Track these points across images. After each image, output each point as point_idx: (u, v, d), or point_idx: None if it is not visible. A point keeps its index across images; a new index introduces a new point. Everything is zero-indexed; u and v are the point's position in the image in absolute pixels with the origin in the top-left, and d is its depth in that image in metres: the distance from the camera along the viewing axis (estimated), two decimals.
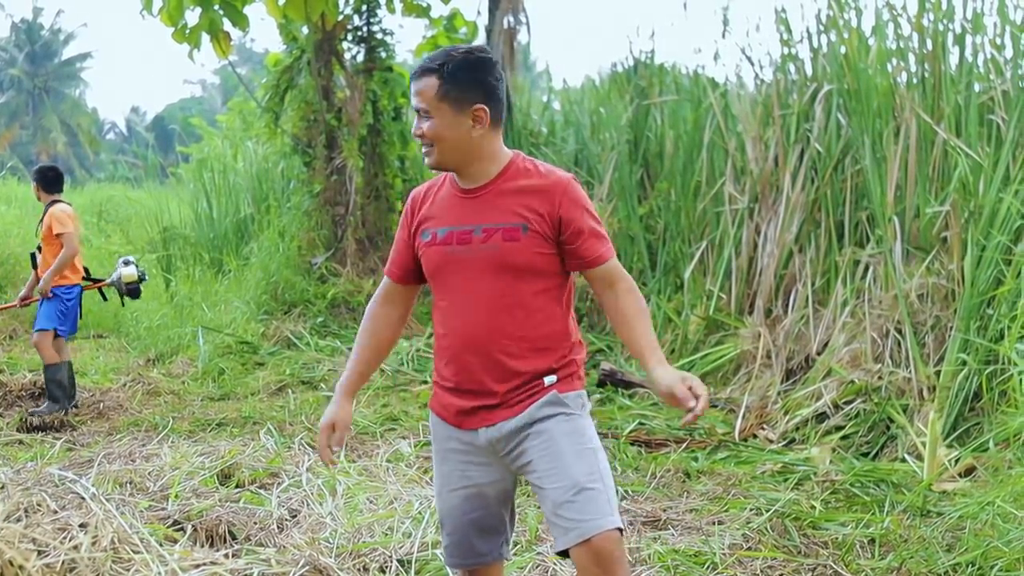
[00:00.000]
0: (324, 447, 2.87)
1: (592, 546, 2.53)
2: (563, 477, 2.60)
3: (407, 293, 2.92)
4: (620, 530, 2.59)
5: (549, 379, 2.71)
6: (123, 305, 8.95)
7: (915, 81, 7.70)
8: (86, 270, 7.78)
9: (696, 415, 2.55)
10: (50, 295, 7.33)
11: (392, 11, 11.69)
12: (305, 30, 11.32)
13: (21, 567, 2.91)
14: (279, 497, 4.68)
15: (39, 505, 3.46)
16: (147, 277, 8.02)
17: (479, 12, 12.49)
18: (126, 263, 7.86)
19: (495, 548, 2.86)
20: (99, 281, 7.88)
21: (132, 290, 7.84)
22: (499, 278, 2.67)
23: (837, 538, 4.50)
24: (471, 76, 2.66)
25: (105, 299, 8.74)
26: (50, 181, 7.62)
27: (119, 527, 3.32)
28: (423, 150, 2.72)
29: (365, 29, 11.61)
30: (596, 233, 2.73)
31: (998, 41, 7.37)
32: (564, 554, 2.62)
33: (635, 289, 2.78)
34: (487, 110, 2.67)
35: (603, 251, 2.73)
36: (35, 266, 7.63)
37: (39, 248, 7.56)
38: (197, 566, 3.31)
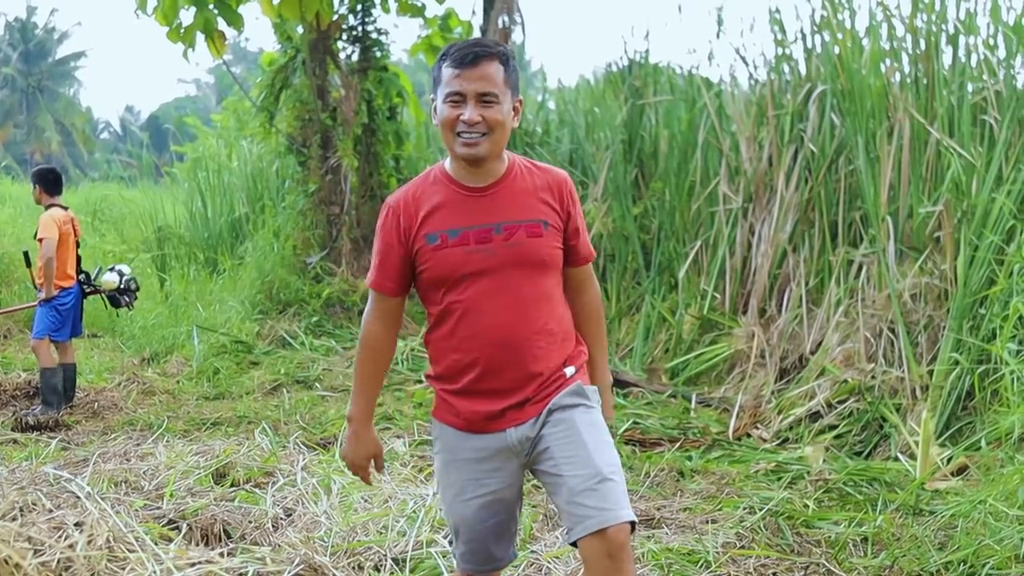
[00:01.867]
0: (367, 475, 2.87)
1: (607, 536, 2.51)
2: (585, 465, 2.58)
3: (400, 306, 2.81)
4: (634, 524, 2.59)
5: (569, 370, 2.72)
6: (117, 315, 8.92)
7: (908, 81, 7.72)
8: (87, 275, 7.74)
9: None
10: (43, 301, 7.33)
11: (387, 11, 11.69)
12: (300, 29, 11.31)
13: (17, 566, 2.92)
14: (274, 496, 4.69)
15: (34, 504, 3.47)
16: (135, 286, 7.91)
17: (474, 12, 12.46)
18: (110, 270, 7.81)
19: (510, 552, 2.86)
20: (96, 287, 7.85)
21: (111, 298, 7.76)
22: (525, 274, 2.66)
23: (830, 537, 4.52)
24: (516, 67, 2.68)
25: (107, 306, 8.75)
26: (50, 183, 7.58)
27: (114, 526, 3.33)
28: (472, 138, 2.59)
29: (360, 28, 11.61)
30: (586, 231, 2.85)
31: (991, 42, 7.39)
32: (575, 544, 2.60)
33: (599, 293, 2.95)
34: (521, 103, 2.72)
35: (591, 250, 2.87)
36: (29, 264, 7.67)
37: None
38: (192, 565, 3.32)
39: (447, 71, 2.61)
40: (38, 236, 7.29)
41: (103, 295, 7.79)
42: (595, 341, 2.86)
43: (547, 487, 2.71)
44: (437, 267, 2.66)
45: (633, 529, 2.59)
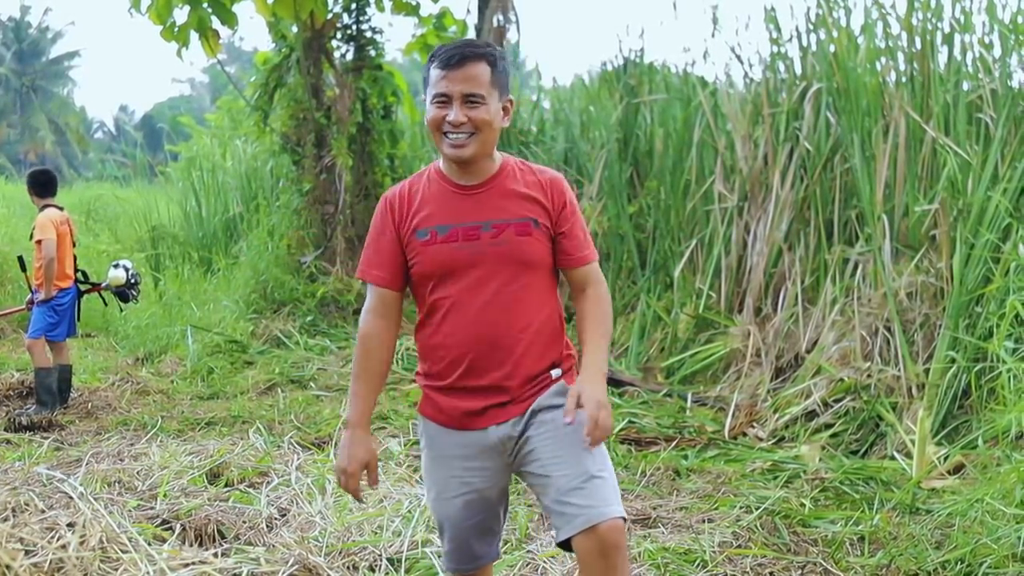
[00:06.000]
0: (357, 490, 2.74)
1: (598, 533, 2.51)
2: (572, 465, 2.58)
3: (399, 300, 2.78)
4: (625, 520, 2.59)
5: (555, 372, 2.72)
6: (121, 310, 8.94)
7: (904, 80, 7.72)
8: (84, 274, 7.75)
9: (585, 442, 2.54)
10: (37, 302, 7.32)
11: (381, 9, 11.67)
12: (294, 28, 11.29)
13: (8, 566, 2.89)
14: (268, 496, 4.67)
15: (27, 504, 3.45)
16: (139, 280, 7.96)
17: (468, 10, 12.45)
18: (115, 266, 7.84)
19: (493, 550, 2.85)
20: (96, 285, 7.85)
21: (120, 293, 7.81)
22: (512, 272, 2.65)
23: (827, 536, 4.51)
24: (506, 67, 2.68)
25: (106, 303, 8.73)
26: (41, 185, 7.56)
27: (107, 526, 3.30)
28: (458, 139, 2.61)
29: (354, 27, 11.58)
30: (584, 233, 2.78)
31: (987, 40, 7.40)
32: (565, 546, 2.59)
33: (606, 297, 2.77)
34: (511, 103, 2.71)
35: (588, 252, 2.77)
36: (24, 268, 7.67)
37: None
38: (186, 565, 3.30)
39: (434, 72, 2.65)
40: (35, 238, 7.27)
41: (111, 291, 7.80)
42: (588, 338, 2.70)
43: (535, 488, 2.71)
44: (425, 262, 2.68)
45: (625, 522, 2.59)
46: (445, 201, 2.70)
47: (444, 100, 2.62)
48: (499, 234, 2.65)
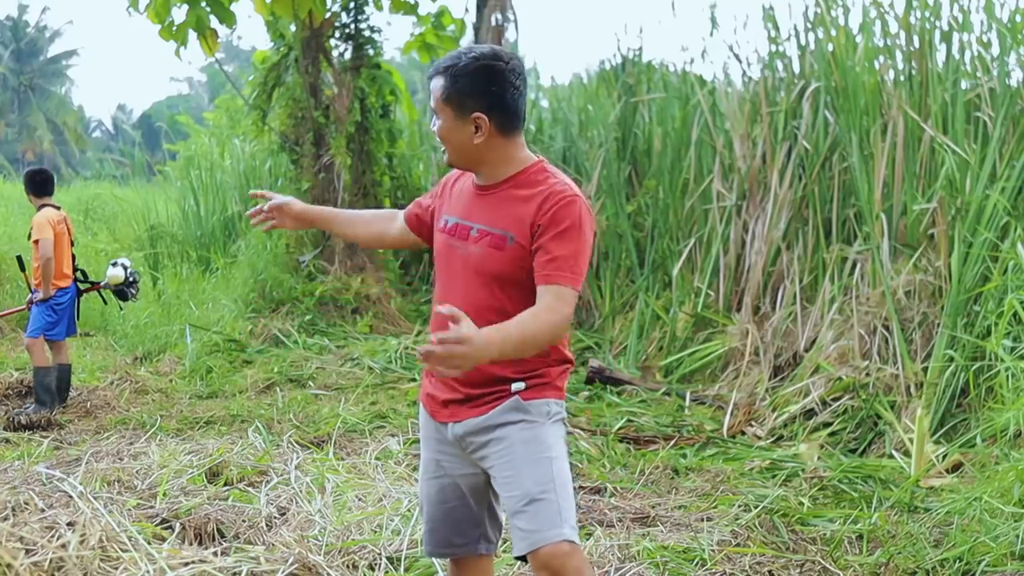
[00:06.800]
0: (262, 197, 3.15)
1: (539, 557, 2.55)
2: (516, 487, 2.61)
3: (405, 232, 3.02)
4: (571, 542, 2.56)
5: (516, 385, 2.68)
6: (120, 309, 8.95)
7: (902, 78, 7.72)
8: (83, 273, 7.75)
9: (432, 348, 2.32)
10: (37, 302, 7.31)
11: (380, 8, 11.66)
12: (293, 27, 11.28)
13: (9, 565, 2.90)
14: (268, 495, 4.67)
15: (26, 504, 3.45)
16: (138, 278, 7.96)
17: (467, 9, 12.45)
18: (113, 265, 7.84)
19: (470, 541, 2.87)
20: (95, 284, 7.85)
21: (118, 292, 7.81)
22: (482, 281, 2.66)
23: (825, 534, 4.52)
24: (473, 84, 2.61)
25: (105, 302, 8.73)
26: (37, 185, 7.55)
27: (107, 525, 3.31)
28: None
29: (353, 26, 11.57)
30: (566, 255, 2.57)
31: (985, 38, 7.40)
32: (522, 559, 2.67)
33: (549, 319, 2.53)
34: (487, 119, 2.62)
35: (556, 273, 2.56)
36: (22, 268, 7.67)
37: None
38: (185, 564, 3.30)
39: None
40: (32, 238, 7.27)
41: (110, 290, 7.81)
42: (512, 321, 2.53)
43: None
44: (435, 246, 2.83)
45: (573, 544, 2.56)
46: (463, 195, 2.79)
47: None
48: (479, 240, 2.67)
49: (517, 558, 2.68)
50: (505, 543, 4.14)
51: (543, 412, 2.70)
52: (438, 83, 2.66)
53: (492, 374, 2.67)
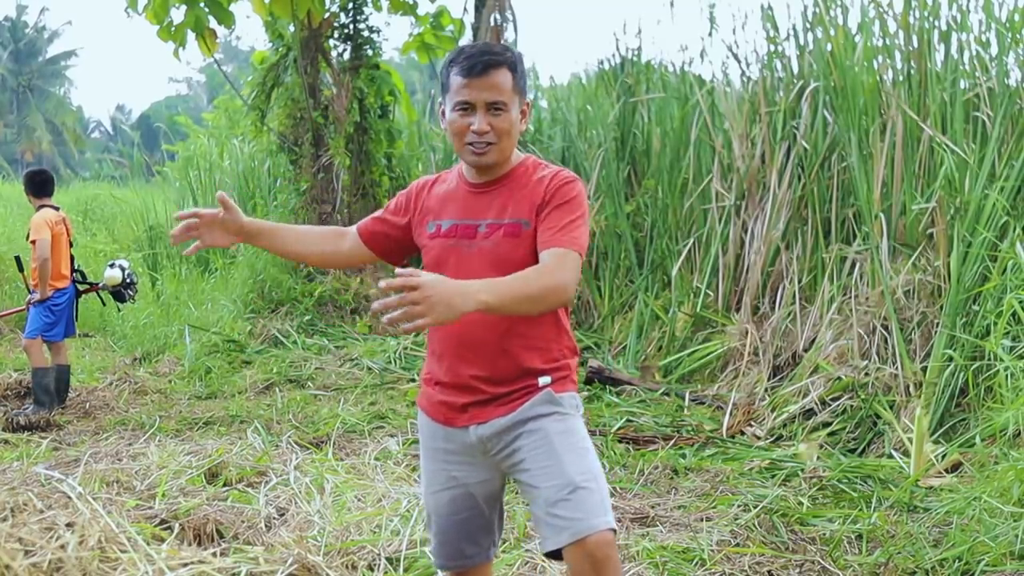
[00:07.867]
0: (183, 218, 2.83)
1: (586, 546, 2.47)
2: (557, 475, 2.55)
3: (358, 249, 2.91)
4: (614, 531, 2.55)
5: (543, 379, 2.66)
6: (118, 310, 8.96)
7: (901, 78, 7.72)
8: (82, 273, 7.75)
9: (386, 300, 2.25)
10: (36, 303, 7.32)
11: (378, 8, 11.67)
12: (291, 28, 11.29)
13: (8, 566, 2.89)
14: (267, 495, 4.67)
15: (25, 504, 3.44)
16: (135, 280, 7.97)
17: (466, 9, 12.43)
18: (111, 266, 7.84)
19: (483, 551, 2.82)
20: (94, 285, 7.85)
21: (116, 293, 7.81)
22: (498, 273, 2.56)
23: (825, 534, 4.51)
24: (524, 70, 2.66)
25: (104, 303, 8.73)
26: (37, 186, 7.56)
27: (106, 526, 3.30)
28: (479, 148, 2.62)
29: (351, 26, 11.58)
30: (569, 225, 2.57)
31: (983, 38, 7.40)
32: (552, 555, 2.58)
33: (550, 273, 2.48)
34: (529, 105, 2.69)
35: (560, 238, 2.55)
36: (21, 268, 7.68)
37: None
38: (184, 565, 3.29)
39: (456, 79, 2.62)
40: (30, 239, 7.27)
41: (108, 291, 7.81)
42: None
43: (525, 498, 2.71)
44: (427, 255, 2.75)
45: (615, 533, 2.56)
46: (457, 197, 2.73)
47: (467, 108, 2.60)
48: (490, 234, 2.64)
49: (547, 555, 2.58)
50: (505, 543, 4.15)
51: (572, 404, 2.70)
52: (504, 74, 2.59)
53: (520, 370, 2.64)
